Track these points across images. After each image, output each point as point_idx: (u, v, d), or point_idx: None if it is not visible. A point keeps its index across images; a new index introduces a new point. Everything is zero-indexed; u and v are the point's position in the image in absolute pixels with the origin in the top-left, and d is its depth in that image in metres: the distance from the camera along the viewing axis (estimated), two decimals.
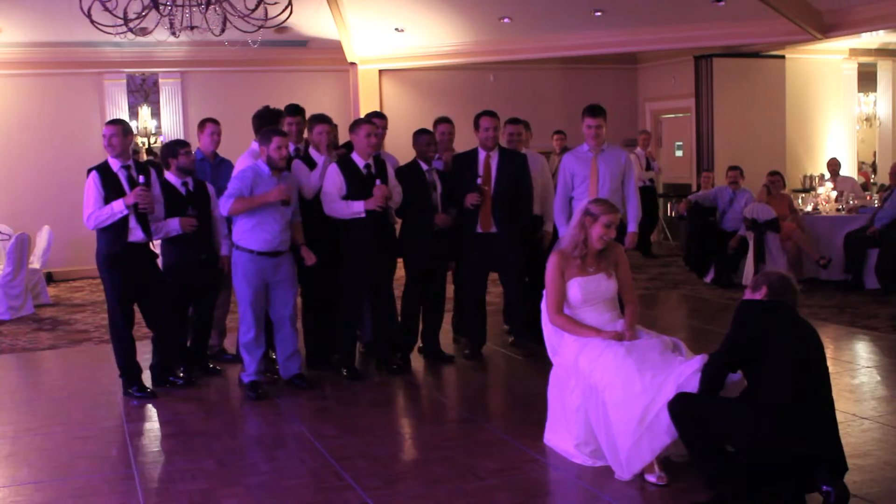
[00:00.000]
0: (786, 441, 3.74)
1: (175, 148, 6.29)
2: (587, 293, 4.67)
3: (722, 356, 3.98)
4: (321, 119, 6.50)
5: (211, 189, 6.40)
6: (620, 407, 4.25)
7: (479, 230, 6.60)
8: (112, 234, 5.83)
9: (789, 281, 4.06)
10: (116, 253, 5.85)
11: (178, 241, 6.18)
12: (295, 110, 6.64)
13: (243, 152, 6.47)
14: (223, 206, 5.86)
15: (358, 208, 6.08)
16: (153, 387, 6.13)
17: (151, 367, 6.25)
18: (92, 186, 5.79)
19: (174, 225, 6.11)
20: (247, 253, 5.90)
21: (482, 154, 6.66)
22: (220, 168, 6.80)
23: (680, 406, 3.98)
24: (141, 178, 5.83)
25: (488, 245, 6.61)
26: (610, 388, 4.30)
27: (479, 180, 6.56)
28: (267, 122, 6.38)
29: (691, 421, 3.94)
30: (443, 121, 7.11)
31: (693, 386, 4.09)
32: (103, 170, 5.84)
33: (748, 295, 4.07)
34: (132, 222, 5.85)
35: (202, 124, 6.95)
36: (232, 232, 6.06)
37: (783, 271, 4.24)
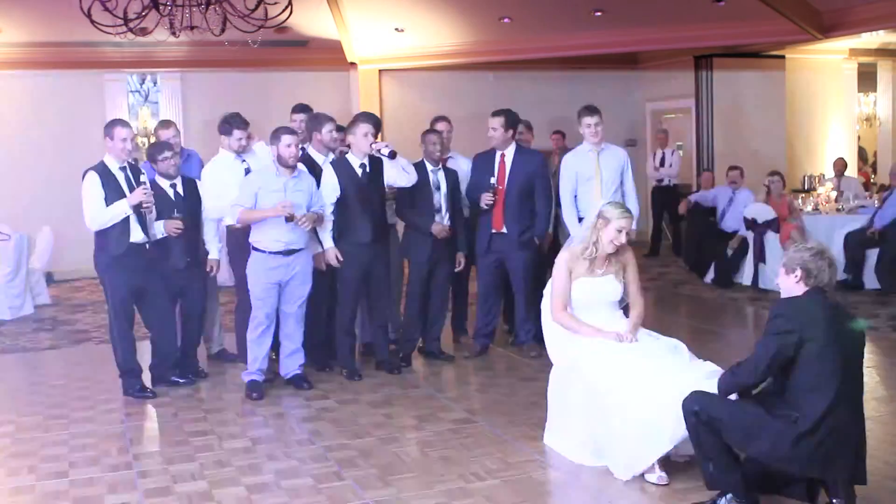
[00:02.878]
0: (804, 460, 3.64)
1: (154, 154, 6.19)
2: (592, 294, 4.65)
3: (753, 369, 3.74)
4: (327, 118, 6.50)
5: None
6: (621, 411, 4.24)
7: (493, 229, 6.61)
8: (115, 236, 5.82)
9: (824, 256, 3.77)
10: (119, 254, 5.85)
11: (162, 243, 6.11)
12: (302, 108, 6.82)
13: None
14: (231, 214, 5.87)
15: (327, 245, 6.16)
16: (153, 387, 6.13)
17: (151, 367, 6.25)
18: (92, 187, 5.78)
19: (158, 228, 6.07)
20: (260, 253, 5.91)
21: (498, 153, 6.67)
22: (187, 161, 6.79)
23: (697, 405, 3.79)
24: (142, 177, 5.84)
25: (500, 244, 6.62)
26: (612, 392, 4.29)
27: (493, 179, 6.56)
28: (230, 122, 6.43)
29: (707, 423, 3.77)
30: (440, 119, 7.09)
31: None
32: (102, 171, 5.84)
33: (782, 276, 3.84)
34: (132, 223, 5.85)
35: (163, 126, 7.02)
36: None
37: (816, 244, 3.91)
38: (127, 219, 5.82)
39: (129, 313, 6.03)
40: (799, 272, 3.77)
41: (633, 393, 4.23)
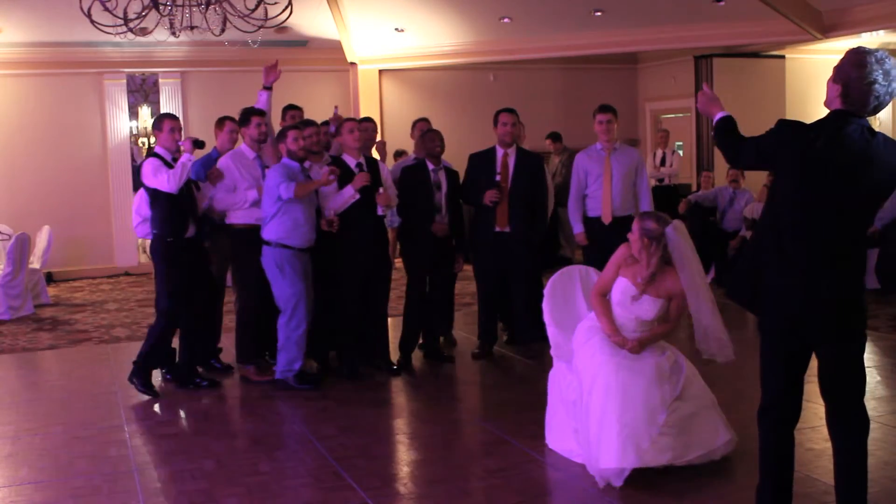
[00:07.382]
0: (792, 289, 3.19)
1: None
2: (623, 297, 4.54)
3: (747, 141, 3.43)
4: (306, 123, 6.45)
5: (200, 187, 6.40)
6: (601, 414, 4.26)
7: (497, 228, 6.60)
8: (176, 225, 5.90)
9: (879, 68, 3.15)
10: (179, 245, 5.93)
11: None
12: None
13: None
14: (286, 190, 5.81)
15: (348, 193, 6.07)
16: (178, 387, 6.15)
17: (178, 367, 6.24)
18: (155, 162, 5.86)
19: None
20: (289, 250, 5.94)
21: (500, 152, 6.68)
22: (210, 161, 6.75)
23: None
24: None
25: (504, 243, 6.60)
26: (593, 393, 4.32)
27: (498, 177, 6.56)
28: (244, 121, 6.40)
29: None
30: (421, 120, 7.33)
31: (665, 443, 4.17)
32: (156, 155, 5.96)
33: (829, 82, 3.31)
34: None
35: (221, 122, 6.83)
36: (264, 230, 6.01)
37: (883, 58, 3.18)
38: (185, 213, 5.91)
39: (183, 306, 6.03)
40: (840, 85, 3.25)
41: (612, 401, 4.24)
